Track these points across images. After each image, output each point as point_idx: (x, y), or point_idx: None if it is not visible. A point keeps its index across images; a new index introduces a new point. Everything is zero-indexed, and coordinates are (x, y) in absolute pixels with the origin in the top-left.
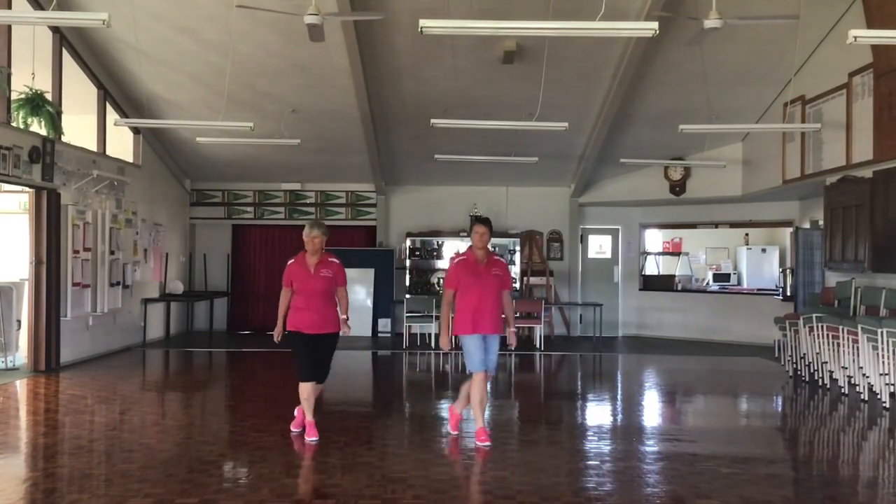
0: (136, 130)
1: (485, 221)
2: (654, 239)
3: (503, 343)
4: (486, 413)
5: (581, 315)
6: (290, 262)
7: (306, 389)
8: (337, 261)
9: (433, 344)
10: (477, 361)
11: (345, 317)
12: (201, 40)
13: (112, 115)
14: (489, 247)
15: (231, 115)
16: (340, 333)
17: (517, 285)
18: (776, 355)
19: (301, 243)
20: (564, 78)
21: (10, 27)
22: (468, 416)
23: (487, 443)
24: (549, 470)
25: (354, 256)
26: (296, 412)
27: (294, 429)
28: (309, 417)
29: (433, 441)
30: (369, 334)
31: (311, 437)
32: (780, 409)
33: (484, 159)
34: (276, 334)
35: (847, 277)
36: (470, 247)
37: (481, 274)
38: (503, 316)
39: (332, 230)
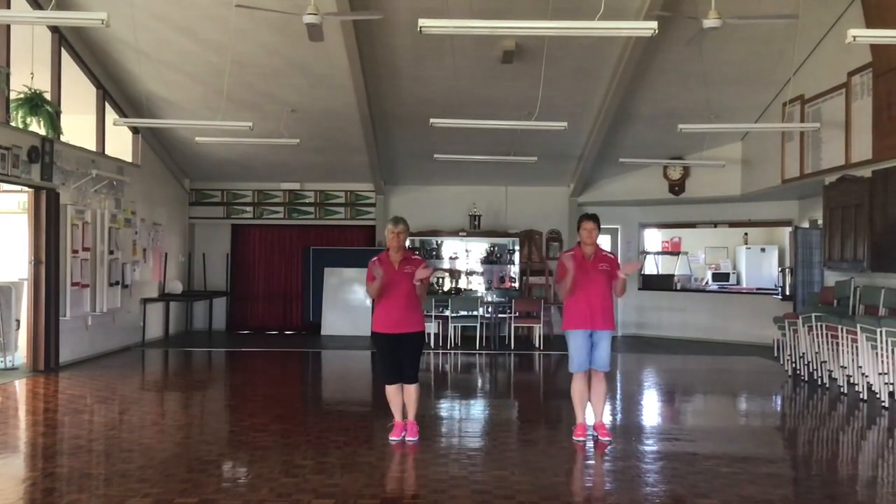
0: (135, 130)
1: (593, 217)
2: (654, 238)
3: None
4: (595, 410)
5: None
6: (372, 259)
7: (389, 391)
8: (420, 258)
9: (432, 344)
10: (579, 362)
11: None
12: (200, 40)
13: (111, 114)
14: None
15: (230, 115)
16: (420, 276)
17: (516, 284)
18: (775, 355)
19: (299, 242)
20: (563, 77)
21: (9, 27)
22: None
23: (607, 437)
24: (549, 469)
25: (354, 256)
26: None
27: (393, 437)
28: (398, 418)
29: (433, 441)
30: (369, 334)
31: (411, 438)
32: (779, 408)
33: (483, 159)
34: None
35: (846, 277)
36: (578, 243)
37: (589, 270)
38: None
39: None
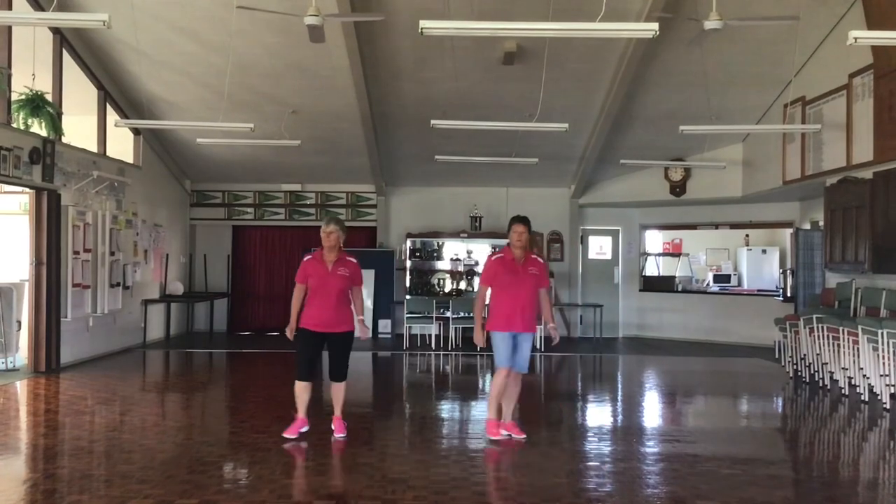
0: (136, 131)
1: (524, 220)
2: (655, 240)
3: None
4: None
5: (581, 316)
6: (306, 258)
7: (298, 387)
8: (354, 260)
9: (433, 345)
10: (504, 358)
11: (361, 317)
12: (201, 41)
13: (112, 115)
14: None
15: (231, 116)
16: (356, 334)
17: None
18: (776, 356)
19: (300, 244)
20: (565, 79)
21: (10, 28)
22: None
23: (521, 435)
24: (550, 471)
25: (354, 257)
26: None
27: (289, 434)
28: (301, 414)
29: (433, 442)
30: (369, 335)
31: (339, 434)
32: (780, 409)
33: (484, 160)
34: (290, 331)
35: (847, 278)
36: (508, 244)
37: (518, 273)
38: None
39: (318, 232)
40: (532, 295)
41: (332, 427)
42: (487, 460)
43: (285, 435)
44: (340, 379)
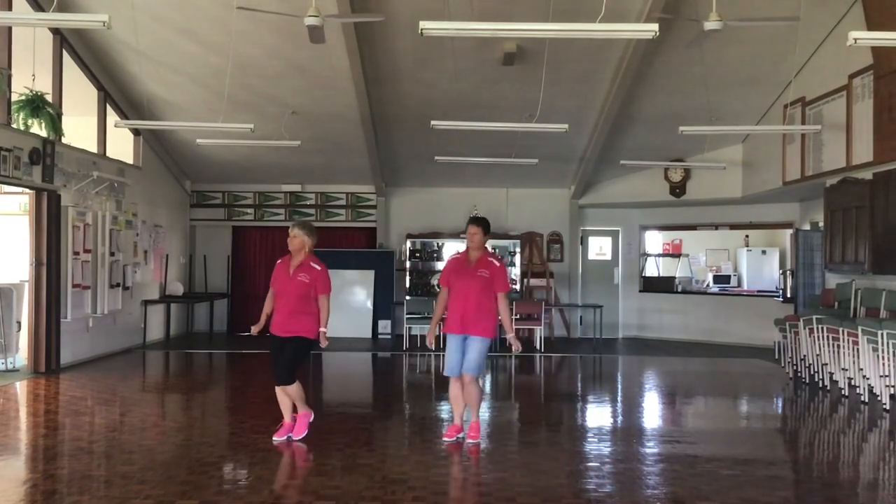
0: (136, 132)
1: (478, 221)
2: (655, 240)
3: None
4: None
5: (581, 317)
6: (278, 261)
7: (277, 392)
8: (319, 267)
9: (433, 345)
10: (449, 366)
11: (323, 329)
12: (202, 42)
13: (112, 116)
14: (489, 248)
15: (231, 117)
16: (320, 344)
17: (517, 286)
18: (776, 357)
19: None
20: (564, 80)
21: (10, 28)
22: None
23: (474, 439)
24: (550, 471)
25: (354, 258)
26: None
27: (277, 437)
28: (287, 419)
29: (433, 443)
30: (369, 336)
31: (297, 436)
32: (780, 410)
33: (484, 161)
34: (255, 328)
35: (847, 279)
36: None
37: (467, 274)
38: (497, 318)
39: (319, 232)
40: (480, 297)
41: (278, 428)
42: (488, 461)
43: (274, 438)
44: (283, 382)
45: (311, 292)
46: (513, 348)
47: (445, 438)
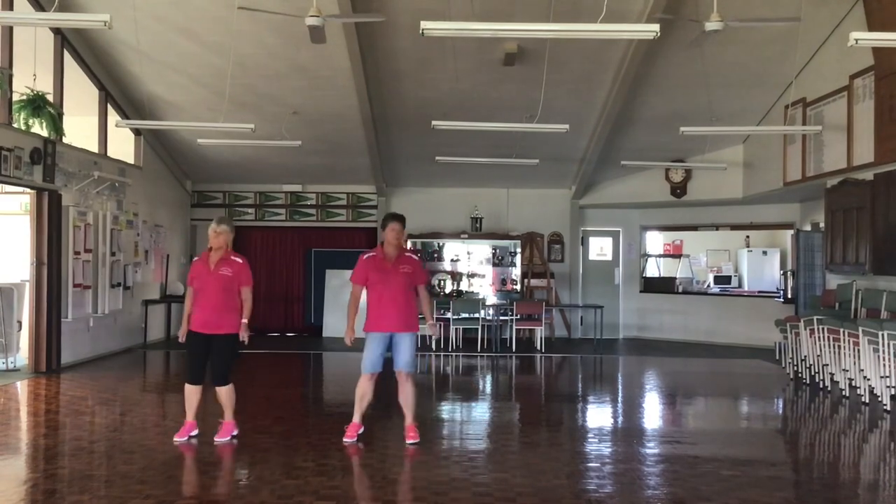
0: (137, 132)
1: (399, 218)
2: (655, 241)
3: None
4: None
5: (582, 317)
6: (195, 259)
7: (188, 390)
8: (241, 260)
9: (433, 346)
10: (368, 363)
11: (244, 321)
12: (202, 42)
13: (113, 116)
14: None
15: (232, 117)
16: (241, 337)
17: (518, 287)
18: (777, 357)
19: (301, 244)
20: (565, 80)
21: (11, 28)
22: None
23: (413, 440)
24: (550, 472)
25: (355, 258)
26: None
27: (179, 437)
28: (189, 418)
29: (433, 443)
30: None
31: (219, 438)
32: (780, 411)
33: (485, 161)
34: (181, 334)
35: (848, 280)
36: (381, 243)
37: (388, 271)
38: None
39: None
40: (405, 293)
41: (218, 430)
42: (488, 462)
43: (175, 439)
44: (220, 383)
45: (235, 285)
46: (431, 336)
47: (346, 439)
